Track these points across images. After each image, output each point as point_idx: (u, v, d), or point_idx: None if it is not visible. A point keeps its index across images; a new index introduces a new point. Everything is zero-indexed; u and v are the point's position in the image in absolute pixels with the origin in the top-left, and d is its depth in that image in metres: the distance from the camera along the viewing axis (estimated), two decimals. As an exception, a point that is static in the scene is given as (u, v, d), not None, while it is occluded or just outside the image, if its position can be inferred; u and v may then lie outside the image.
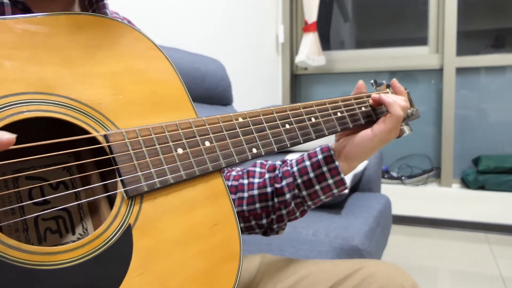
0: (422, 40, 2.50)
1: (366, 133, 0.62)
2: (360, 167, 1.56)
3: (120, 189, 0.39)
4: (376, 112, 0.67)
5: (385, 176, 2.55)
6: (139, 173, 0.40)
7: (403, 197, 2.38)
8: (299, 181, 0.64)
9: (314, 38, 2.47)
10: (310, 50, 2.45)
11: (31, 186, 0.40)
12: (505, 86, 2.40)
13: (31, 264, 0.33)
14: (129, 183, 0.39)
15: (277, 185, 0.64)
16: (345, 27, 2.95)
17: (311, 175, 0.63)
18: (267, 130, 0.52)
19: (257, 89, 2.39)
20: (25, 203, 0.39)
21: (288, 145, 0.54)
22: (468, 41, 2.49)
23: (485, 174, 2.29)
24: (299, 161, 0.65)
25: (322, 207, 1.36)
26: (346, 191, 0.66)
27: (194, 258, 0.41)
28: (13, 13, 0.46)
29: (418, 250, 2.07)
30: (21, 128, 0.35)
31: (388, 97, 0.62)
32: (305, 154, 0.66)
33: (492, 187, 2.28)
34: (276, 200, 0.64)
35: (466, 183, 2.39)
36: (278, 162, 0.67)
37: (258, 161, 0.68)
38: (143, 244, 0.39)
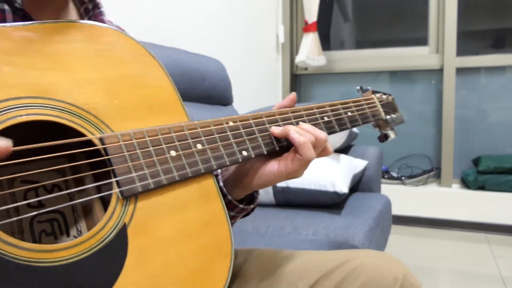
0: (422, 40, 2.50)
1: (272, 168, 0.55)
2: (360, 167, 1.56)
3: (116, 189, 0.40)
4: (362, 118, 0.69)
5: (385, 176, 2.55)
6: (134, 174, 0.41)
7: (403, 197, 2.38)
8: None
9: (314, 38, 2.47)
10: (310, 50, 2.45)
11: (25, 187, 0.41)
12: (505, 86, 2.40)
13: (30, 261, 0.33)
14: (124, 183, 0.40)
15: None
16: (345, 27, 2.95)
17: None
18: (257, 133, 0.54)
19: (257, 89, 2.39)
20: (19, 203, 0.40)
21: (277, 148, 0.56)
22: (468, 41, 2.49)
23: (485, 174, 2.29)
24: None
25: (322, 207, 1.36)
26: (247, 211, 0.61)
27: (187, 256, 0.43)
28: (14, 20, 0.48)
29: (418, 250, 2.07)
30: (19, 131, 0.36)
31: (297, 136, 0.53)
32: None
33: (492, 187, 2.28)
34: None
35: (466, 183, 2.39)
36: None
37: None
38: (138, 243, 0.40)
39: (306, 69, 2.71)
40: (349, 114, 0.67)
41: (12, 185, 0.40)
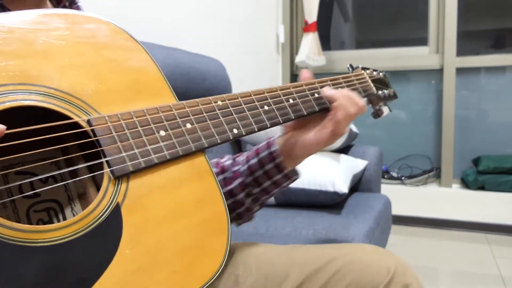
0: (422, 40, 2.50)
1: (313, 136, 0.60)
2: (360, 167, 1.56)
3: (106, 169, 0.40)
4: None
5: (385, 176, 2.55)
6: (124, 154, 0.41)
7: (403, 197, 2.38)
8: (249, 180, 0.63)
9: (314, 38, 2.47)
10: (310, 50, 2.45)
11: (21, 181, 0.41)
12: (505, 86, 2.40)
13: (24, 241, 0.33)
14: (114, 163, 0.40)
15: (229, 187, 0.64)
16: (345, 27, 2.95)
17: (259, 173, 0.63)
18: (246, 111, 0.54)
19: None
20: (15, 197, 0.40)
21: (268, 125, 0.55)
22: (468, 41, 2.49)
23: (485, 175, 2.29)
24: (248, 158, 0.65)
25: (322, 207, 1.36)
26: (298, 178, 0.65)
27: (182, 232, 0.43)
28: None
29: (418, 250, 2.07)
30: (4, 119, 0.35)
31: (342, 110, 0.58)
32: (254, 149, 0.65)
33: (492, 188, 2.28)
34: (229, 201, 0.64)
35: (466, 183, 2.39)
36: (229, 161, 0.67)
37: (214, 160, 0.68)
38: (132, 221, 0.40)
39: (306, 69, 2.71)
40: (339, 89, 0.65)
41: (6, 178, 0.40)
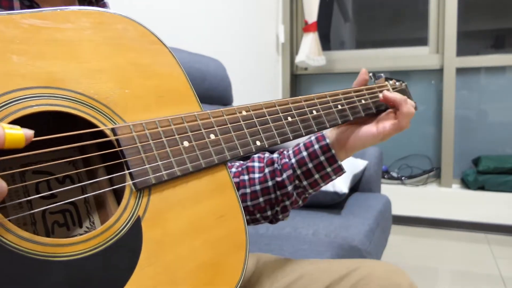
0: (422, 40, 2.50)
1: (371, 129, 0.64)
2: (360, 167, 1.56)
3: (129, 182, 0.39)
4: (376, 105, 0.68)
5: (385, 176, 2.55)
6: (147, 166, 0.41)
7: (403, 197, 2.38)
8: (298, 172, 0.65)
9: (314, 38, 2.47)
10: (310, 50, 2.45)
11: (38, 180, 0.40)
12: (505, 86, 2.40)
13: (44, 255, 0.33)
14: (137, 175, 0.40)
15: (278, 178, 0.65)
16: (345, 27, 2.95)
17: (310, 165, 0.65)
18: (270, 123, 0.53)
19: (257, 89, 2.39)
20: (32, 197, 0.40)
21: (291, 138, 0.55)
22: (468, 41, 2.49)
23: (485, 175, 2.29)
24: (296, 152, 0.66)
25: (322, 207, 1.36)
26: (344, 173, 0.67)
27: (201, 248, 0.42)
28: (21, 8, 0.47)
29: (418, 250, 2.07)
30: (28, 122, 0.35)
31: (407, 107, 0.64)
32: (301, 144, 0.67)
33: (492, 188, 2.28)
34: (278, 193, 0.65)
35: (466, 184, 2.39)
36: (275, 155, 0.68)
37: (256, 155, 0.69)
38: (152, 236, 0.39)
39: (306, 69, 2.71)
40: (363, 101, 0.66)
41: (23, 176, 0.40)
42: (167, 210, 0.41)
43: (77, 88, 0.39)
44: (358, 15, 2.91)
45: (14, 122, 0.34)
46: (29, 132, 0.32)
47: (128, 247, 0.38)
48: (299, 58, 2.45)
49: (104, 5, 0.57)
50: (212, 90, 1.53)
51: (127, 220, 0.38)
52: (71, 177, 0.43)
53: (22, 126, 0.33)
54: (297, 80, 2.83)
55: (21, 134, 0.32)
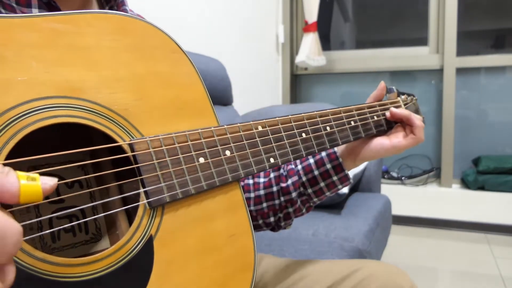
0: (422, 40, 2.50)
1: (384, 142, 0.64)
2: (361, 167, 1.56)
3: (144, 201, 0.39)
4: (387, 121, 0.69)
5: (385, 176, 2.55)
6: (162, 184, 0.40)
7: (403, 198, 2.38)
8: (304, 179, 0.64)
9: (314, 38, 2.47)
10: (310, 50, 2.44)
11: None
12: (505, 86, 2.40)
13: (57, 276, 0.33)
14: (152, 193, 0.39)
15: (283, 184, 0.64)
16: (345, 27, 2.95)
17: (316, 172, 0.64)
18: (285, 139, 0.53)
19: (257, 89, 2.39)
20: (42, 201, 0.39)
21: (304, 154, 0.55)
22: (468, 41, 2.49)
23: (485, 175, 2.29)
24: (303, 159, 0.65)
25: (322, 207, 1.36)
26: (350, 183, 0.67)
27: (211, 268, 0.42)
28: (39, 9, 0.47)
29: (418, 250, 2.06)
30: (43, 130, 0.35)
31: (418, 121, 0.66)
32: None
33: (492, 188, 2.28)
34: (282, 199, 0.64)
35: (466, 184, 2.39)
36: None
37: None
38: (163, 256, 0.39)
39: (306, 69, 2.71)
40: (375, 118, 0.66)
41: None
42: (179, 229, 0.41)
43: (95, 99, 0.39)
44: (358, 15, 2.91)
45: (34, 132, 0.34)
46: (49, 183, 0.28)
47: (139, 267, 0.37)
48: (299, 58, 2.45)
49: (123, 4, 0.56)
50: (212, 90, 1.52)
51: (139, 240, 0.38)
52: (80, 182, 0.43)
53: (36, 132, 0.33)
54: (297, 80, 2.83)
55: (39, 186, 0.27)
